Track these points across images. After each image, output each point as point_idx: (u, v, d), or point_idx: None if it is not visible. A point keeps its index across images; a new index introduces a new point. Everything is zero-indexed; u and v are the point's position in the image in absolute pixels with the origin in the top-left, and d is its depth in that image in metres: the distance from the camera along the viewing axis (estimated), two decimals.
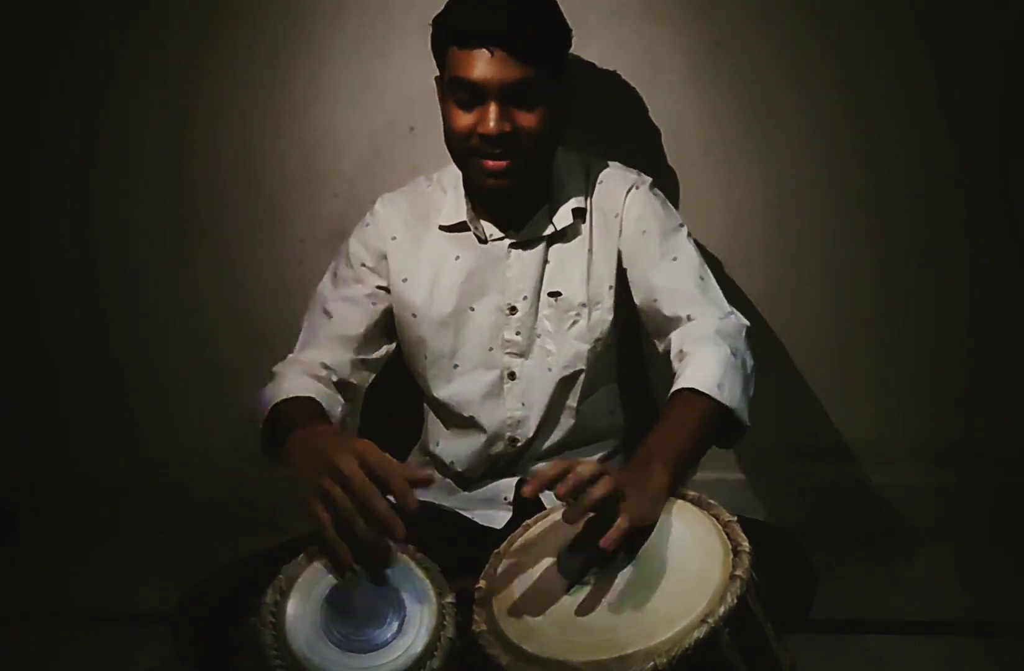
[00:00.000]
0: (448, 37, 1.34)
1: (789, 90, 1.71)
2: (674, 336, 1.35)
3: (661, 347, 1.41)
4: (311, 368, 1.41)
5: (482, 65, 1.30)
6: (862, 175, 1.75)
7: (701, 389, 1.22)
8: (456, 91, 1.34)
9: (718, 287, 1.41)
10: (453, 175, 1.50)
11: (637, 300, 1.44)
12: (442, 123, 1.39)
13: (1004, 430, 1.83)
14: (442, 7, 1.36)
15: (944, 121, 1.72)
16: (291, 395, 1.33)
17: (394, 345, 1.52)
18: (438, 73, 1.40)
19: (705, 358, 1.27)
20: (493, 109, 1.32)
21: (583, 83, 1.62)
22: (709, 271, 1.43)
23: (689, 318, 1.36)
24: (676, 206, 1.51)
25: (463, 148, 1.36)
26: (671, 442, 1.18)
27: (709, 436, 1.24)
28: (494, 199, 1.43)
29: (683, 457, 1.17)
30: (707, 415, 1.22)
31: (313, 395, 1.34)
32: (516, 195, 1.41)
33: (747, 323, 1.38)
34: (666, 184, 1.52)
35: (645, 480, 1.12)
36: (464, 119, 1.34)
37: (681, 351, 1.31)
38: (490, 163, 1.35)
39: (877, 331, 1.82)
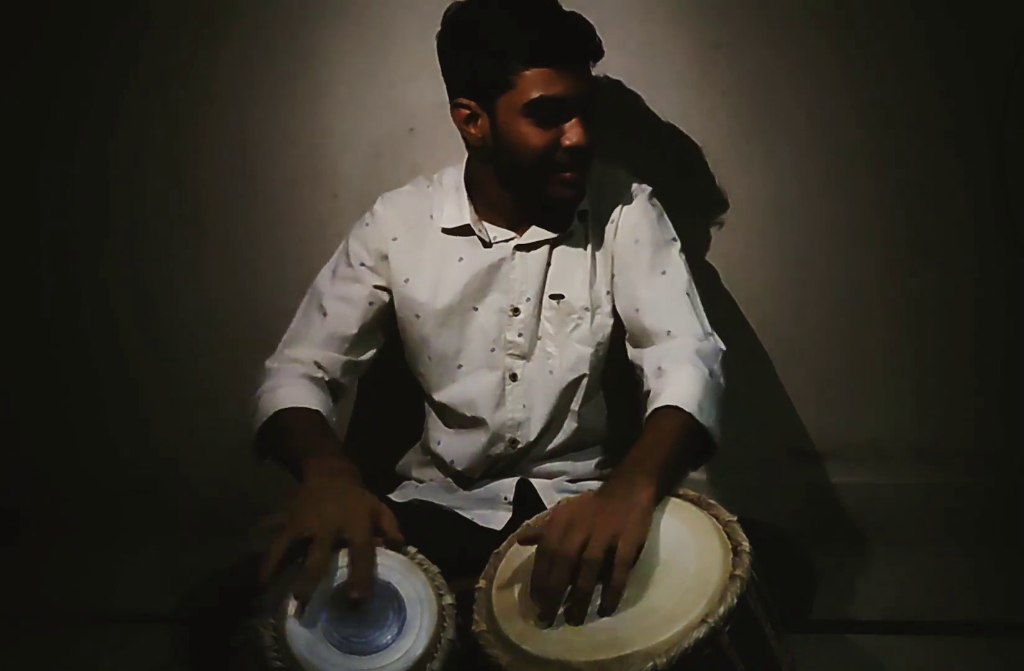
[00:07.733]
0: (524, 58, 1.30)
1: (789, 91, 1.71)
2: (653, 352, 1.37)
3: (632, 354, 1.43)
4: (307, 367, 1.42)
5: (567, 81, 1.31)
6: (862, 175, 1.75)
7: (683, 407, 1.24)
8: (538, 111, 1.32)
9: (701, 307, 1.42)
10: (454, 176, 1.49)
11: (619, 307, 1.45)
12: (508, 144, 1.34)
13: (1004, 430, 1.83)
14: (443, 10, 1.36)
15: (945, 121, 1.72)
16: (295, 405, 1.34)
17: (380, 348, 1.52)
18: (462, 98, 1.35)
19: (686, 378, 1.29)
20: (582, 123, 1.33)
21: None
22: (695, 290, 1.44)
23: (669, 334, 1.37)
24: (674, 207, 1.51)
25: (545, 164, 1.36)
26: (656, 456, 1.19)
27: (688, 453, 1.25)
28: (560, 206, 1.44)
29: (667, 471, 1.18)
30: (687, 433, 1.24)
31: (319, 408, 1.35)
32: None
33: (723, 347, 1.39)
34: (665, 185, 1.52)
35: (630, 494, 1.13)
36: (544, 136, 1.33)
37: (659, 368, 1.33)
38: (569, 175, 1.37)
39: (876, 331, 1.82)
